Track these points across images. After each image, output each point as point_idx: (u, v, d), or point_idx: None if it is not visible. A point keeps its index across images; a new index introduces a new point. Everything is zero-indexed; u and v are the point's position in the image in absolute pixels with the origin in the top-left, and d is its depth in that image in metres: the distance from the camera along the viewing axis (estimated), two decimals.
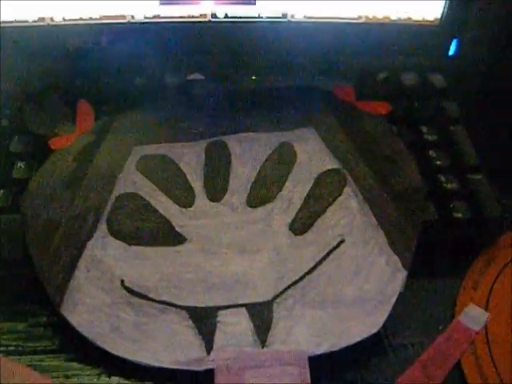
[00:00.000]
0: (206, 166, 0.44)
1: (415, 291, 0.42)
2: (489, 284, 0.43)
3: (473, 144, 0.47)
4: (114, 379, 0.38)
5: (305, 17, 0.47)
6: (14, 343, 0.39)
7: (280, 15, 0.47)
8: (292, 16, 0.47)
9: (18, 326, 0.40)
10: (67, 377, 0.37)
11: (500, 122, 0.50)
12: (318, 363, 0.37)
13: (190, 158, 0.44)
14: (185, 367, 0.37)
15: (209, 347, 0.37)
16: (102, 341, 0.37)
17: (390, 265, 0.40)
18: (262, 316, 0.38)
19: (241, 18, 0.47)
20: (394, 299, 0.39)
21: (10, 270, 0.41)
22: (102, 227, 0.41)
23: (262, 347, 0.37)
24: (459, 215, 0.44)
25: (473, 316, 0.41)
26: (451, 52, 0.49)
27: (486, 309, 0.41)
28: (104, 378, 0.37)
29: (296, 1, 0.47)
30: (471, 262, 0.44)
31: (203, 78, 0.49)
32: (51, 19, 0.46)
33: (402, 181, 0.44)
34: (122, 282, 0.39)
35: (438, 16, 0.48)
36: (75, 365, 0.38)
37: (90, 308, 0.38)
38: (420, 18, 0.48)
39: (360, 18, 0.48)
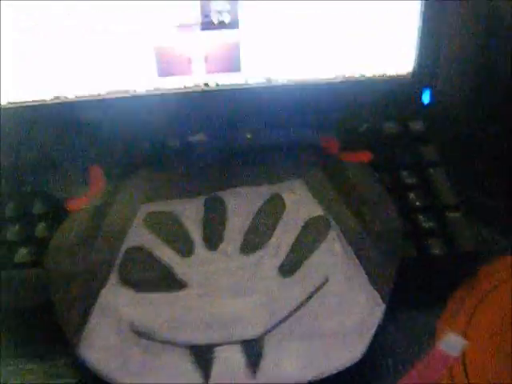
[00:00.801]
0: (205, 219, 0.49)
1: (397, 323, 0.46)
2: (468, 312, 0.46)
3: (451, 185, 0.51)
4: None
5: (288, 80, 0.53)
6: (34, 381, 0.44)
7: (264, 80, 0.53)
8: (276, 80, 0.53)
9: (40, 366, 0.45)
10: None
11: (477, 161, 0.54)
12: None
13: (191, 213, 0.49)
14: None
15: (206, 379, 0.41)
16: (113, 377, 0.42)
17: (369, 300, 0.44)
18: (253, 350, 0.42)
19: (230, 85, 0.53)
20: (372, 331, 0.43)
21: (33, 318, 0.46)
22: (114, 277, 0.46)
23: (254, 378, 0.41)
24: (436, 251, 0.47)
25: (451, 343, 0.44)
26: (426, 100, 0.53)
27: (465, 337, 0.44)
28: None
29: (277, 66, 0.52)
30: (449, 295, 0.47)
31: (205, 138, 0.54)
32: (65, 97, 0.52)
33: (381, 222, 0.47)
34: (131, 325, 0.44)
35: (410, 69, 0.52)
36: None
37: (102, 348, 0.43)
38: (393, 73, 0.52)
39: (337, 77, 0.52)
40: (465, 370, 0.42)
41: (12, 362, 0.45)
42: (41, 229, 0.50)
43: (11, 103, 0.52)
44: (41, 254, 0.48)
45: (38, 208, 0.51)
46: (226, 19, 0.50)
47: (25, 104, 0.52)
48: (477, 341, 0.44)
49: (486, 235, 0.50)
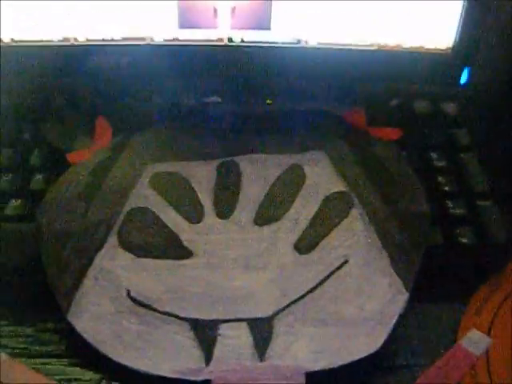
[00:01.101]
0: (217, 185, 0.45)
1: (418, 314, 0.43)
2: (492, 311, 0.43)
3: (483, 171, 0.48)
4: None
5: (318, 43, 0.48)
6: (22, 346, 0.40)
7: (294, 41, 0.48)
8: (306, 42, 0.48)
9: (26, 330, 0.41)
10: (69, 381, 0.38)
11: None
12: (315, 380, 0.37)
13: (202, 177, 0.45)
14: (183, 376, 0.37)
15: (208, 358, 0.38)
16: (105, 347, 0.38)
17: (391, 287, 0.41)
18: (262, 331, 0.39)
19: (256, 42, 0.49)
20: (394, 321, 0.40)
21: (22, 277, 0.42)
22: (113, 239, 0.42)
23: (261, 361, 0.38)
24: (465, 240, 0.44)
25: (475, 341, 0.41)
26: (463, 80, 0.49)
27: (489, 335, 0.41)
28: None
29: (309, 27, 0.48)
30: (476, 289, 0.44)
31: (219, 100, 0.51)
32: (75, 39, 0.48)
33: (408, 205, 0.44)
34: (128, 292, 0.40)
35: (450, 45, 0.48)
36: (78, 370, 0.39)
37: (95, 315, 0.39)
38: (432, 47, 0.48)
39: (372, 45, 0.48)
40: (488, 369, 0.39)
41: None
42: (37, 181, 0.47)
43: (14, 41, 0.48)
44: (35, 208, 0.44)
45: (36, 158, 0.48)
46: None
47: (29, 43, 0.48)
48: (501, 339, 0.41)
49: None
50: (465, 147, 0.49)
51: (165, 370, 0.38)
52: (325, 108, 0.50)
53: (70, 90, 0.50)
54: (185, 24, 0.47)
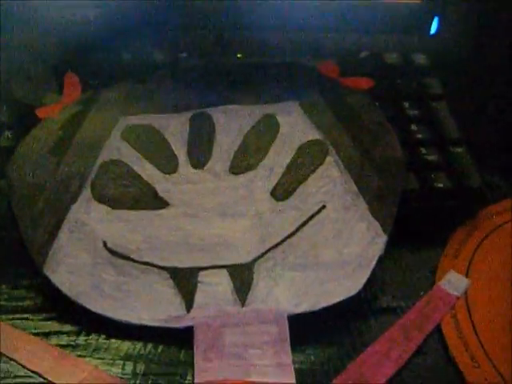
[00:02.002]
0: (190, 136, 0.44)
1: (397, 259, 0.43)
2: (470, 253, 0.43)
3: (455, 119, 0.48)
4: (93, 337, 0.38)
5: None
6: None
7: None
8: None
9: (1, 287, 0.40)
10: (47, 334, 0.38)
11: (482, 98, 0.51)
12: (297, 323, 0.37)
13: (175, 128, 0.45)
14: (165, 324, 0.37)
15: (189, 306, 0.37)
16: (84, 299, 0.38)
17: (370, 230, 0.41)
18: (242, 277, 0.39)
19: None
20: (373, 262, 0.40)
21: None
22: (86, 192, 0.41)
23: (242, 306, 0.38)
24: (440, 185, 0.44)
25: (454, 282, 0.41)
26: (433, 30, 0.50)
27: (467, 276, 0.42)
28: (83, 337, 0.38)
29: None
30: (452, 232, 0.44)
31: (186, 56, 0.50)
32: None
33: (382, 151, 0.44)
34: (105, 243, 0.39)
35: None
36: (55, 323, 0.38)
37: (72, 268, 0.39)
38: None
39: None
40: (467, 308, 0.40)
41: None
42: (6, 137, 0.45)
43: None
44: (5, 164, 0.43)
45: (3, 115, 0.46)
46: None
47: None
48: (479, 280, 0.42)
49: (486, 176, 0.47)
50: (436, 96, 0.49)
51: (146, 319, 0.37)
52: (296, 59, 0.50)
53: (37, 45, 0.48)
54: None
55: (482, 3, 0.53)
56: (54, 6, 0.47)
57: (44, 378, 0.35)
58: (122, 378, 0.36)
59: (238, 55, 0.50)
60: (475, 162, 0.45)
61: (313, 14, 0.49)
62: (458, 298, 0.40)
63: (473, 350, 0.38)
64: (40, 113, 0.46)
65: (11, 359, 0.36)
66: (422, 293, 0.41)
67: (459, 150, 0.46)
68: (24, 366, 0.36)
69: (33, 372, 0.35)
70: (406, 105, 0.48)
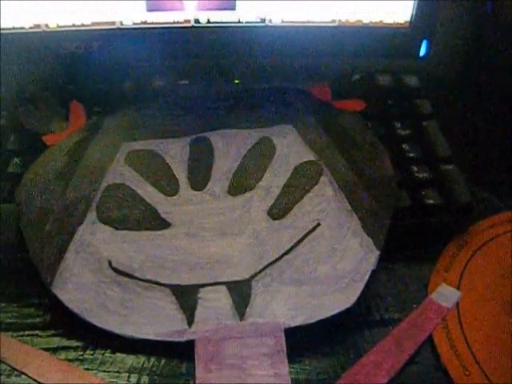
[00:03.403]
0: (190, 159, 0.46)
1: (390, 273, 0.45)
2: (460, 267, 0.45)
3: (445, 138, 0.49)
4: (99, 351, 0.39)
5: (282, 21, 0.50)
6: (7, 321, 0.41)
7: (259, 20, 0.50)
8: (270, 20, 0.50)
9: (11, 305, 0.42)
10: (55, 350, 0.39)
11: (471, 116, 0.53)
12: (293, 335, 0.39)
13: (175, 152, 0.47)
14: (167, 338, 0.39)
15: (190, 320, 0.39)
16: (90, 315, 0.39)
17: (363, 246, 0.42)
18: (240, 292, 0.40)
19: (222, 22, 0.50)
20: (366, 277, 0.41)
21: (5, 255, 0.43)
22: (92, 214, 0.43)
23: (241, 320, 0.39)
24: (430, 201, 0.46)
25: (445, 294, 0.43)
26: (422, 53, 0.52)
27: (458, 289, 0.43)
28: (89, 352, 0.39)
29: (273, 6, 0.50)
30: (443, 247, 0.46)
31: (187, 83, 0.52)
32: (46, 26, 0.49)
33: (375, 170, 0.46)
34: (110, 262, 0.41)
35: (408, 19, 0.51)
36: (63, 340, 0.40)
37: (78, 286, 0.40)
38: (391, 21, 0.51)
39: (334, 21, 0.50)
40: (459, 319, 0.41)
41: None
42: (14, 164, 0.47)
43: None
44: (13, 189, 0.45)
45: (12, 143, 0.48)
46: None
47: (1, 31, 0.48)
48: (469, 292, 0.43)
49: (477, 192, 0.49)
50: (426, 116, 0.51)
51: (149, 334, 0.39)
52: (291, 84, 0.52)
53: (43, 76, 0.50)
54: (152, 7, 0.49)
55: (468, 27, 0.55)
56: (59, 39, 0.49)
57: None
58: None
59: (235, 81, 0.52)
60: (465, 179, 0.47)
61: (305, 39, 0.51)
62: (449, 309, 0.42)
63: (464, 359, 0.39)
64: (47, 140, 0.48)
65: (22, 373, 0.38)
66: (414, 305, 0.42)
67: (449, 167, 0.48)
68: (35, 380, 0.37)
69: None
70: (398, 125, 0.50)
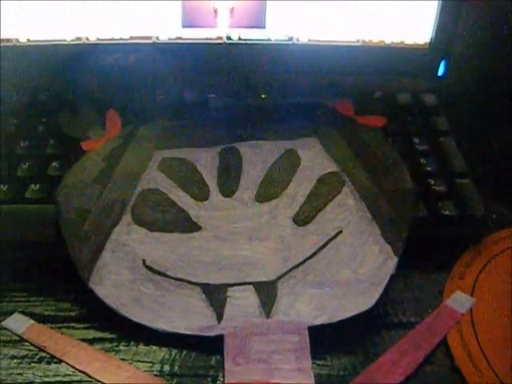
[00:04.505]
0: (220, 168, 0.49)
1: (407, 280, 0.47)
2: (474, 275, 0.47)
3: (461, 153, 0.52)
4: (133, 343, 0.42)
5: (309, 40, 0.53)
6: (47, 313, 0.44)
7: (287, 38, 0.53)
8: (297, 39, 0.53)
9: (50, 299, 0.44)
10: (91, 342, 0.42)
11: (486, 133, 0.55)
12: (317, 334, 0.41)
13: (206, 161, 0.50)
14: (198, 333, 0.41)
15: (219, 317, 0.41)
16: (125, 310, 0.42)
17: (382, 252, 0.45)
18: (267, 292, 0.43)
19: (252, 40, 0.53)
20: (385, 281, 0.43)
21: (44, 253, 0.46)
22: (127, 216, 0.46)
23: (267, 318, 0.41)
24: (447, 213, 0.48)
25: (459, 301, 0.45)
26: (440, 72, 0.54)
27: (472, 296, 0.45)
28: (124, 343, 0.42)
29: (301, 25, 0.52)
30: (458, 256, 0.48)
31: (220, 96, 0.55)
32: (87, 38, 0.52)
33: (394, 182, 0.48)
34: (144, 261, 0.44)
35: (428, 40, 0.53)
36: (98, 332, 0.42)
37: (114, 283, 0.43)
38: (411, 42, 0.54)
39: (358, 41, 0.53)
40: (472, 323, 0.43)
41: (20, 295, 0.45)
42: (53, 167, 0.50)
43: (30, 41, 0.52)
44: (52, 191, 0.47)
45: (51, 148, 0.51)
46: None
47: (44, 43, 0.52)
48: (483, 300, 0.45)
49: (491, 206, 0.51)
50: (443, 132, 0.53)
51: (181, 328, 0.41)
52: (316, 100, 0.54)
53: (82, 85, 0.53)
54: (187, 23, 0.52)
55: (484, 48, 0.57)
56: (98, 51, 0.52)
57: (91, 378, 0.39)
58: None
59: (263, 96, 0.55)
60: (479, 193, 0.49)
61: (330, 58, 0.53)
62: (462, 314, 0.44)
63: (476, 360, 0.41)
64: (85, 145, 0.50)
65: (62, 361, 0.40)
66: (430, 310, 0.44)
67: (465, 181, 0.50)
68: (73, 367, 0.40)
69: (81, 372, 0.39)
70: (416, 140, 0.53)
